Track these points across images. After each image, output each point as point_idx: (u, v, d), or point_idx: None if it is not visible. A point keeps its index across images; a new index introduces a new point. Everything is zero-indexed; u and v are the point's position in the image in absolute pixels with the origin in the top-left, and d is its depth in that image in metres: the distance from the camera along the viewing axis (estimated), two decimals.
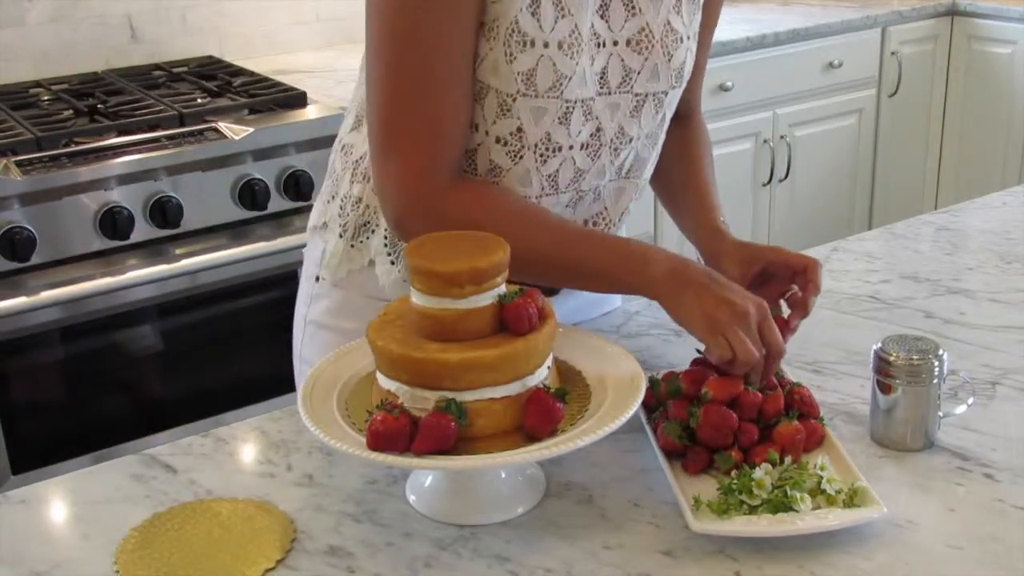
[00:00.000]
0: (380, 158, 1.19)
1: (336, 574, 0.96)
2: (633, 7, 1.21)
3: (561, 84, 1.18)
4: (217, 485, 1.10)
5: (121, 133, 2.28)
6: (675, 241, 3.18)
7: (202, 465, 1.14)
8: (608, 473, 1.09)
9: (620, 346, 1.12)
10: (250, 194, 2.32)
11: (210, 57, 2.93)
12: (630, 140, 1.28)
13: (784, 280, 1.25)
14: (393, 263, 1.30)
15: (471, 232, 1.23)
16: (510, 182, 1.24)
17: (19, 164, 2.12)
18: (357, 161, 1.32)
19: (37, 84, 2.67)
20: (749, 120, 3.31)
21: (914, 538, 0.98)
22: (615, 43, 1.21)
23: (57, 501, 1.12)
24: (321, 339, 1.37)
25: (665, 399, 1.13)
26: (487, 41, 1.16)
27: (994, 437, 1.13)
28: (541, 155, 1.22)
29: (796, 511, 0.98)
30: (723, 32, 3.24)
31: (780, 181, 3.43)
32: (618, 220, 1.35)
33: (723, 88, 3.19)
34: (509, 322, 1.01)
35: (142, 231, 2.23)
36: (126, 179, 2.19)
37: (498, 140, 1.21)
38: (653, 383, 1.15)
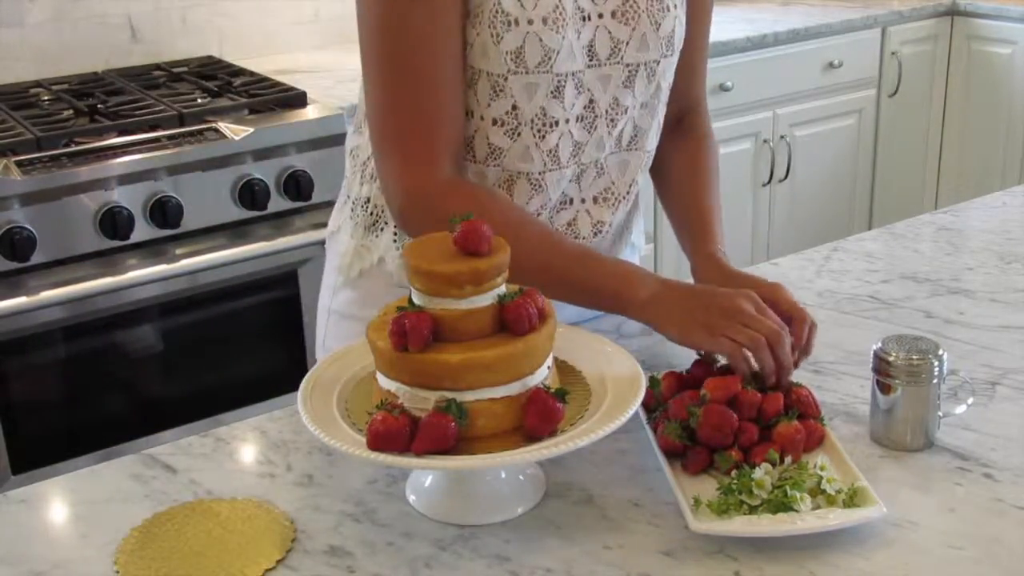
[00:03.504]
0: (379, 157, 1.24)
1: (336, 574, 0.96)
2: None
3: (550, 58, 1.21)
4: (217, 485, 1.10)
5: (121, 133, 2.28)
6: (674, 242, 3.18)
7: (202, 465, 1.14)
8: (608, 473, 1.09)
9: (620, 346, 1.12)
10: (250, 194, 2.32)
11: (210, 57, 2.93)
12: (625, 111, 1.30)
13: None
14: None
15: None
16: (511, 161, 1.26)
17: (19, 164, 2.12)
18: (364, 163, 1.36)
19: (37, 84, 2.67)
20: (749, 120, 3.31)
21: (914, 538, 0.98)
22: (600, 16, 1.25)
23: (57, 501, 1.12)
24: (345, 328, 1.40)
25: (665, 399, 1.13)
26: (473, 28, 1.21)
27: (994, 437, 1.13)
28: (539, 130, 1.25)
29: (796, 511, 0.98)
30: (723, 32, 3.25)
31: (780, 181, 3.43)
32: (626, 192, 1.38)
33: (723, 88, 3.19)
34: (509, 322, 1.01)
35: (142, 231, 2.23)
36: (126, 179, 2.19)
37: (495, 122, 1.25)
38: (653, 383, 1.15)
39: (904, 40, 3.62)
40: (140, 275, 2.23)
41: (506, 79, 1.22)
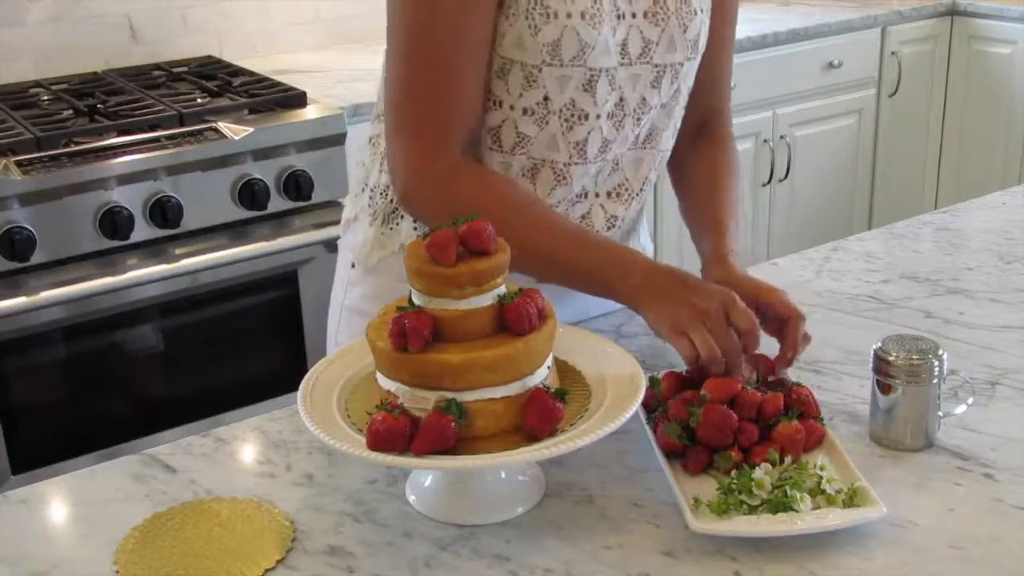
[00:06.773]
0: (391, 136, 1.26)
1: (336, 574, 0.96)
2: None
3: (585, 53, 1.23)
4: (217, 485, 1.10)
5: (121, 133, 2.28)
6: (674, 241, 3.18)
7: (202, 465, 1.14)
8: (608, 473, 1.09)
9: (620, 346, 1.12)
10: (250, 194, 2.32)
11: (210, 57, 2.93)
12: (650, 110, 1.32)
13: (774, 322, 1.22)
14: None
15: None
16: (537, 149, 1.28)
17: (19, 164, 2.12)
18: (385, 151, 1.35)
19: (37, 84, 2.67)
20: (749, 120, 3.31)
21: (914, 538, 0.98)
22: (633, 15, 1.27)
23: (57, 501, 1.12)
24: (358, 324, 1.38)
25: (665, 399, 1.13)
26: (506, 19, 1.22)
27: (994, 437, 1.13)
28: (566, 120, 1.26)
29: (796, 511, 0.98)
30: None
31: (780, 181, 3.43)
32: (639, 190, 1.38)
33: None
34: (509, 322, 1.01)
35: (142, 231, 2.23)
36: (126, 179, 2.19)
37: (525, 111, 1.26)
38: (653, 383, 1.15)
39: (904, 40, 3.62)
40: (140, 275, 2.23)
41: (540, 70, 1.23)
